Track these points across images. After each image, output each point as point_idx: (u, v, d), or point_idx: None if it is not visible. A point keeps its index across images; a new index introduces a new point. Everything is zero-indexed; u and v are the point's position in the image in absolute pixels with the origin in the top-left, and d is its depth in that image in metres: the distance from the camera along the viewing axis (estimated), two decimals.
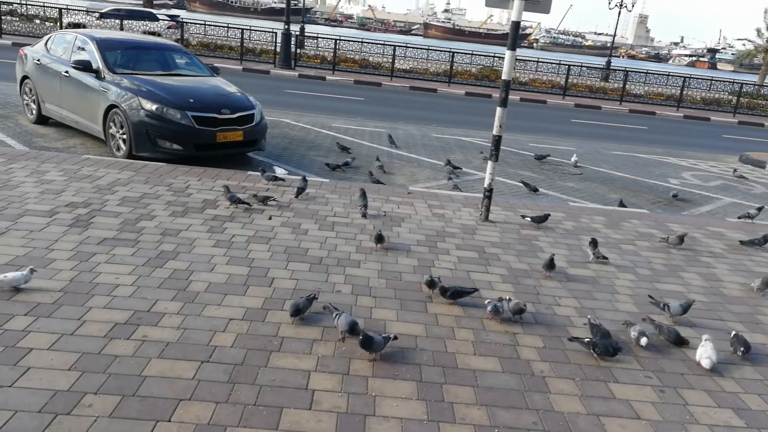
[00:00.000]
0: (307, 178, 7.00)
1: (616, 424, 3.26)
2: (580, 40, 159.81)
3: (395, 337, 3.71)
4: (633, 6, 36.32)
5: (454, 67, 25.22)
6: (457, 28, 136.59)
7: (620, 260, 5.87)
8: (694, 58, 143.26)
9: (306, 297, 4.11)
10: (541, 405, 3.35)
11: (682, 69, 68.64)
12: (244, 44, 24.76)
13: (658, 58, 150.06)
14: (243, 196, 6.28)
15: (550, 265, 5.14)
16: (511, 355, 3.86)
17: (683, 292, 5.23)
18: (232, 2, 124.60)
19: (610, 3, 35.87)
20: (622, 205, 7.97)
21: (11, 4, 27.90)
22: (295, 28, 26.22)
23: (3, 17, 24.27)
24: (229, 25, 28.29)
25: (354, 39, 28.07)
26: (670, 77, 29.10)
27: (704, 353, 3.90)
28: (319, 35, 29.06)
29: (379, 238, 5.43)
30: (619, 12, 34.77)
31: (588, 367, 3.80)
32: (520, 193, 8.63)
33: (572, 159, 11.17)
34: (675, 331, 4.20)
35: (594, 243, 5.77)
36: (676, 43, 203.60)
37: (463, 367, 3.65)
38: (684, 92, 25.64)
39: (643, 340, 4.05)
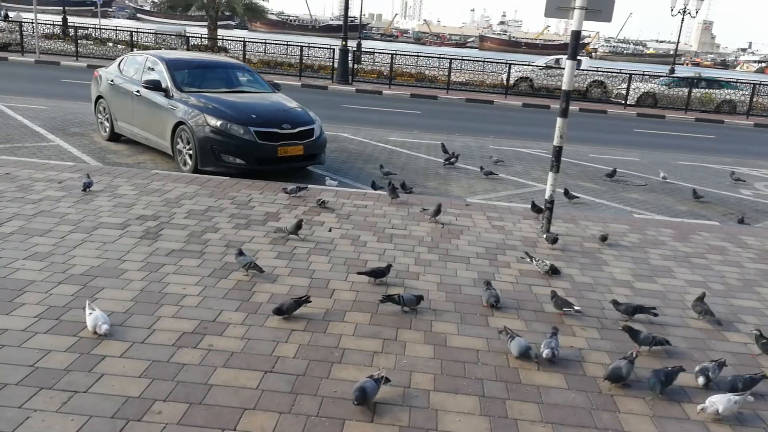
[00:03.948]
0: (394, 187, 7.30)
1: None
2: (641, 48, 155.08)
3: (387, 380, 3.33)
4: (697, 12, 35.10)
5: (510, 79, 24.96)
6: (513, 39, 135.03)
7: (691, 275, 5.62)
8: (764, 64, 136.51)
9: (295, 298, 4.16)
10: (609, 424, 3.23)
11: (751, 76, 65.64)
12: (303, 61, 25.30)
13: (724, 65, 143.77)
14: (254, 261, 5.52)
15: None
16: (576, 371, 3.75)
17: (760, 308, 4.96)
18: (291, 21, 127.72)
19: (672, 10, 34.77)
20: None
21: (87, 28, 29.51)
22: (352, 44, 26.60)
23: (79, 41, 25.72)
24: (288, 43, 29.02)
25: (410, 53, 28.26)
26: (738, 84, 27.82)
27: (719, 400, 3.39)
28: (376, 50, 29.40)
29: (298, 226, 5.61)
30: (683, 18, 33.68)
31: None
32: (582, 206, 8.42)
33: (660, 175, 10.77)
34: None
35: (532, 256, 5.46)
36: (743, 49, 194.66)
37: (526, 383, 3.57)
38: (754, 100, 24.46)
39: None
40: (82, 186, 6.59)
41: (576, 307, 4.52)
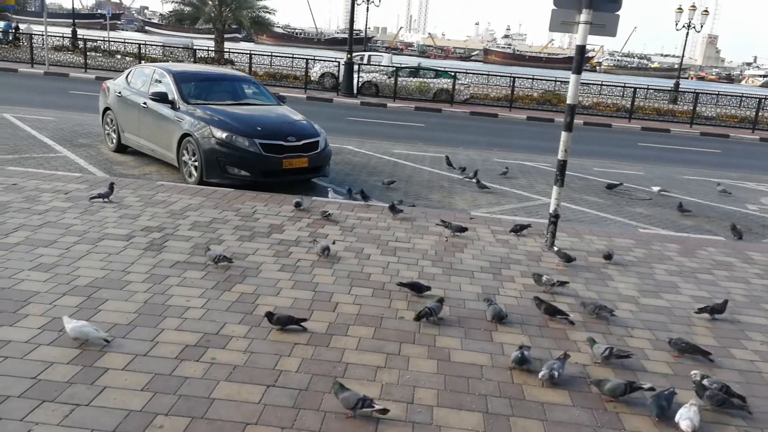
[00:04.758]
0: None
1: None
2: (645, 62, 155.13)
3: (372, 406, 3.18)
4: (702, 26, 35.13)
5: (515, 92, 25.03)
6: (518, 53, 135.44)
7: (697, 290, 5.58)
8: None
9: (293, 316, 4.14)
10: None
11: (756, 90, 65.62)
12: (308, 74, 25.40)
13: (729, 79, 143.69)
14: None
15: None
16: (581, 388, 3.71)
17: (767, 325, 4.92)
18: (297, 34, 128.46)
19: (677, 24, 34.85)
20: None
21: (96, 41, 29.75)
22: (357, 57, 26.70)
23: (88, 53, 25.94)
24: (294, 56, 29.16)
25: (414, 66, 28.35)
26: (743, 99, 27.85)
27: (685, 414, 3.34)
28: (381, 64, 29.49)
29: None
30: (687, 33, 33.70)
31: None
32: (587, 219, 8.40)
33: (655, 189, 10.72)
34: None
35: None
36: (748, 64, 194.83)
37: (530, 400, 3.54)
38: (759, 114, 24.44)
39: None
40: (95, 194, 6.68)
41: (571, 316, 4.49)
